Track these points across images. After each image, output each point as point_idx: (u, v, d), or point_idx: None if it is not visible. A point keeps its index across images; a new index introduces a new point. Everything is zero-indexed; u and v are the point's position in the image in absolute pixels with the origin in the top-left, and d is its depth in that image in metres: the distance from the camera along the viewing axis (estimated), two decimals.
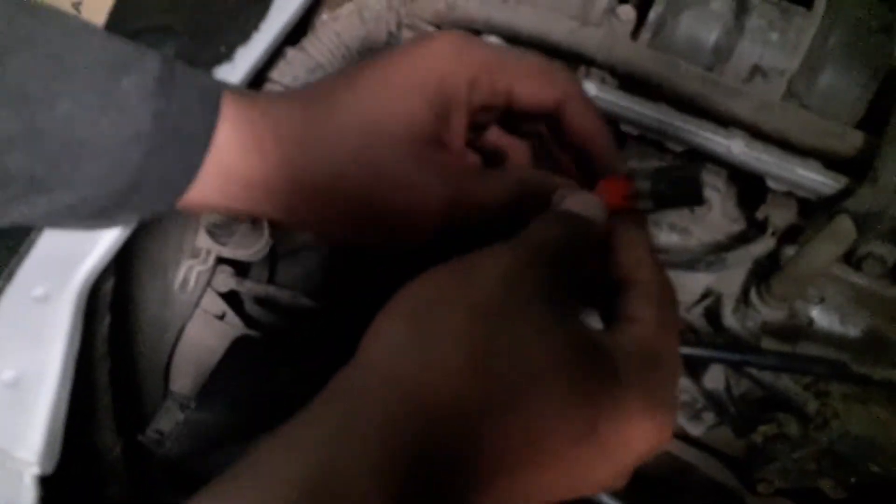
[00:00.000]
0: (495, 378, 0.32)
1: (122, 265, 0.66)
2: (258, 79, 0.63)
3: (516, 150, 0.49)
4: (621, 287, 0.39)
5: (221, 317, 0.87)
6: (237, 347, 0.61)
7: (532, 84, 0.44)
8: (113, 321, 0.61)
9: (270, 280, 0.90)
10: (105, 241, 0.50)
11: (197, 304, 0.85)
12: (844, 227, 0.59)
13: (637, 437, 0.34)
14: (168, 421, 0.59)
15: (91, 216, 0.41)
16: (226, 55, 0.59)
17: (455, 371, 0.31)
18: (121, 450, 0.60)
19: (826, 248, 0.59)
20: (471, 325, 0.32)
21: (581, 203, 0.40)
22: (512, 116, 0.47)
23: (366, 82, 0.42)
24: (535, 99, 0.44)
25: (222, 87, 0.42)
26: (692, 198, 0.41)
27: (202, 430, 0.58)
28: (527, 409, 0.32)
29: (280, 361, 0.60)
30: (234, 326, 0.86)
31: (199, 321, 0.85)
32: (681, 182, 0.41)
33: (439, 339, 0.32)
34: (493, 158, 0.49)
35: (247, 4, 0.61)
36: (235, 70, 0.59)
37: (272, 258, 0.88)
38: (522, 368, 0.32)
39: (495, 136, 0.49)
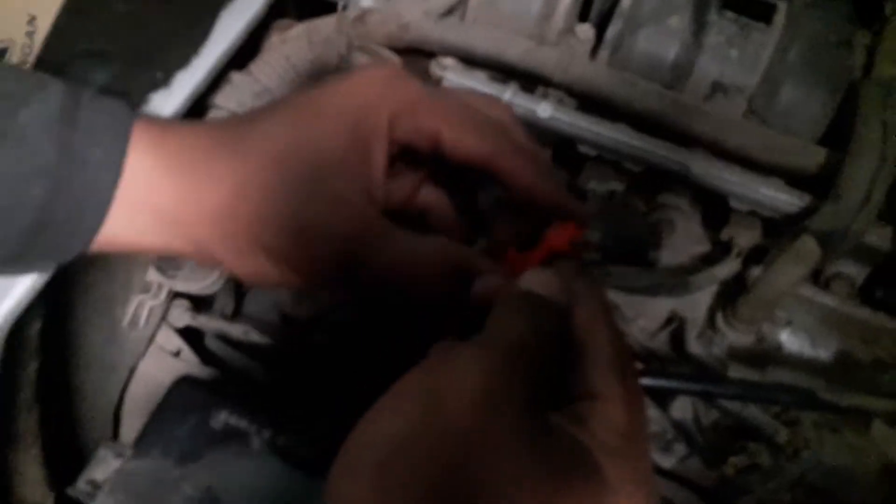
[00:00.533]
0: None
1: (60, 304, 0.63)
2: (201, 105, 0.61)
3: (440, 207, 0.47)
4: (577, 353, 0.36)
5: (177, 353, 0.84)
6: (178, 389, 0.58)
7: (459, 132, 0.41)
8: (48, 364, 0.58)
9: (237, 313, 0.87)
10: (21, 285, 0.47)
11: (151, 341, 0.82)
12: (808, 247, 0.57)
13: None
14: (102, 470, 0.56)
15: (1, 261, 0.39)
16: (163, 81, 0.57)
17: None
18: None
19: (790, 269, 0.58)
20: (448, 479, 0.29)
21: (539, 282, 0.37)
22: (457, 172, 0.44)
23: (285, 113, 0.40)
24: (463, 148, 0.41)
25: (133, 114, 0.39)
26: (639, 258, 0.39)
27: (138, 480, 0.55)
28: None
29: (221, 402, 0.57)
30: (190, 363, 0.83)
31: (152, 359, 0.82)
32: (629, 241, 0.39)
33: None
34: (418, 218, 0.47)
35: (187, 28, 0.59)
36: (173, 96, 0.57)
37: (238, 290, 0.86)
38: None
39: (424, 192, 0.47)
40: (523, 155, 0.42)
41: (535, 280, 0.37)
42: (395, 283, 0.40)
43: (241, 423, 0.57)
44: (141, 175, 0.38)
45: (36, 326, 0.53)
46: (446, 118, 0.41)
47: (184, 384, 0.58)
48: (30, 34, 0.82)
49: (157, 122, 0.40)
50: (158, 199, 0.39)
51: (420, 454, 0.30)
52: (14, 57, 0.54)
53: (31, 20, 0.61)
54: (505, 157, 0.42)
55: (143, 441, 0.56)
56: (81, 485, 0.55)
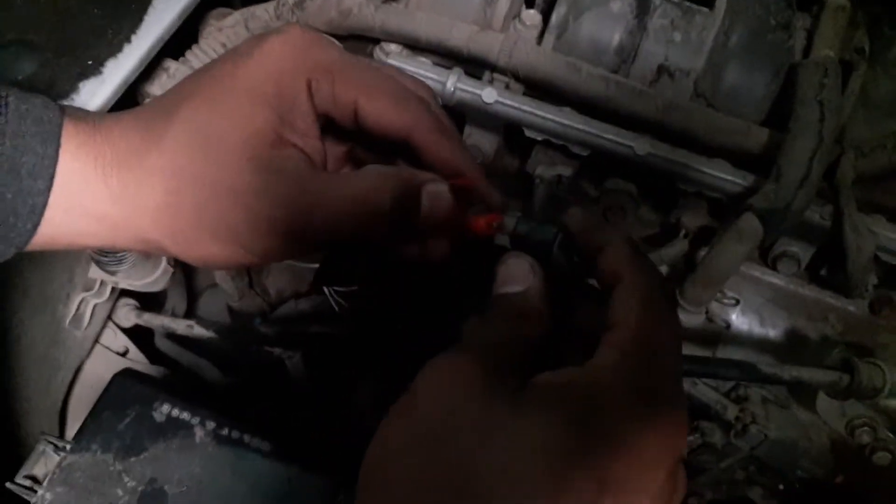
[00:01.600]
0: None
1: None
2: (133, 92, 0.60)
3: None
4: (608, 295, 0.37)
5: (124, 353, 0.83)
6: (119, 382, 0.57)
7: (378, 102, 0.42)
8: None
9: (190, 311, 0.86)
10: None
11: (97, 340, 0.81)
12: (750, 225, 0.58)
13: (651, 458, 0.32)
14: (42, 465, 0.55)
15: None
16: (94, 69, 0.56)
17: None
18: None
19: (733, 247, 0.59)
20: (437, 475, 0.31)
21: (513, 277, 0.38)
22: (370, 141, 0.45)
23: (203, 92, 0.40)
24: (382, 119, 0.42)
25: (61, 115, 0.39)
26: (540, 256, 0.40)
27: (78, 475, 0.54)
28: None
29: (163, 395, 0.56)
30: (137, 363, 0.82)
31: (98, 359, 0.81)
32: (537, 241, 0.41)
33: None
34: None
35: (118, 16, 0.58)
36: (105, 84, 0.56)
37: (190, 290, 0.85)
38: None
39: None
40: (442, 131, 0.43)
41: (508, 276, 0.39)
42: (348, 223, 0.40)
43: (183, 415, 0.56)
44: (74, 179, 0.38)
45: None
46: (365, 88, 0.41)
47: (124, 377, 0.57)
48: None
49: (86, 120, 0.40)
50: (94, 202, 0.39)
51: (410, 460, 0.31)
52: None
53: None
54: (424, 131, 0.42)
55: (84, 435, 0.55)
56: (20, 480, 0.54)
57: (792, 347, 0.67)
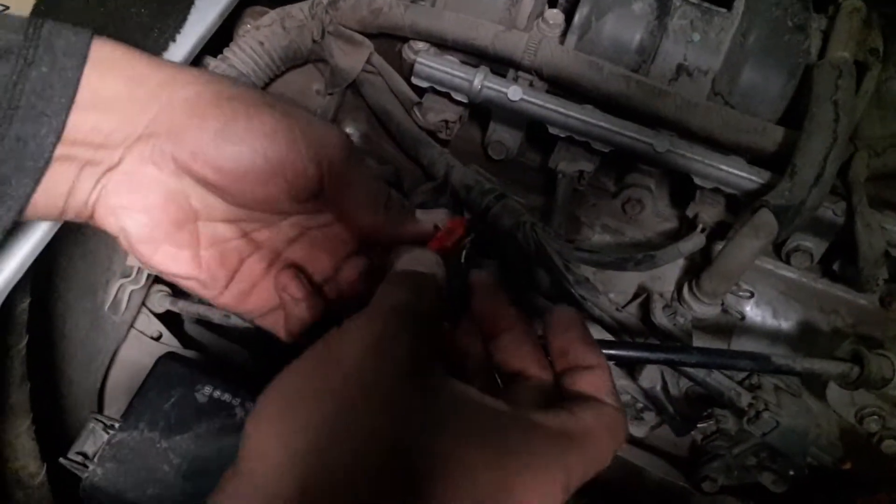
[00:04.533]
0: (385, 471, 0.31)
1: (45, 286, 0.66)
2: None
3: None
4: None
5: (158, 338, 0.87)
6: (163, 365, 0.61)
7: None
8: (36, 344, 0.61)
9: None
10: (14, 260, 0.50)
11: (132, 326, 0.85)
12: (765, 220, 0.62)
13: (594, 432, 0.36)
14: (92, 443, 0.59)
15: None
16: None
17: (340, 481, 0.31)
18: (46, 476, 0.60)
19: (748, 242, 0.62)
20: (342, 417, 0.33)
21: (414, 261, 0.42)
22: None
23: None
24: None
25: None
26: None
27: (127, 451, 0.58)
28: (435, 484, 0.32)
29: (205, 378, 0.61)
30: (171, 347, 0.87)
31: (133, 343, 0.85)
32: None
33: (314, 448, 0.32)
34: None
35: (163, 16, 0.62)
36: None
37: None
38: (416, 452, 0.32)
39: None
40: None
41: (410, 259, 0.42)
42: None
43: (224, 396, 0.60)
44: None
45: (23, 305, 0.57)
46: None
47: (169, 360, 0.61)
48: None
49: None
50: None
51: (314, 400, 0.33)
52: None
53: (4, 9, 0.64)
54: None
55: (131, 414, 0.60)
56: (73, 456, 0.59)
57: (804, 339, 0.71)
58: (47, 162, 0.39)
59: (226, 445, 0.59)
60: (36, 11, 0.62)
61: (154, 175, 0.42)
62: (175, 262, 0.45)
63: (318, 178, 0.44)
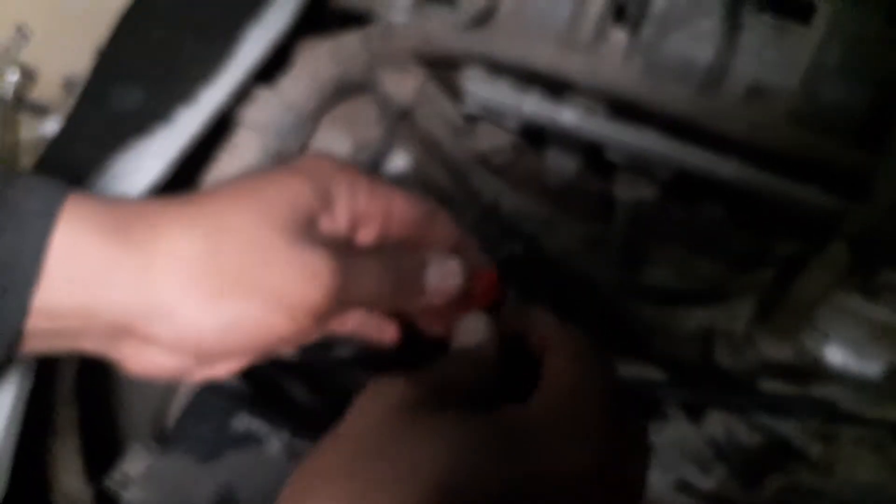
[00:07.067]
0: None
1: None
2: (226, 121, 0.67)
3: None
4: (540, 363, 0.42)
5: None
6: (202, 393, 0.64)
7: (404, 203, 0.48)
8: (89, 360, 0.65)
9: None
10: None
11: None
12: (837, 252, 0.58)
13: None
14: (135, 465, 0.62)
15: None
16: (190, 97, 0.63)
17: None
18: (94, 498, 0.64)
19: (818, 275, 0.59)
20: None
21: (470, 332, 0.45)
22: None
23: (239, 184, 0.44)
24: (406, 216, 0.48)
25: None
26: None
27: (166, 476, 0.61)
28: None
29: (243, 406, 0.62)
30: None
31: None
32: None
33: None
34: None
35: (214, 47, 0.66)
36: (199, 111, 0.63)
37: None
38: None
39: None
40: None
41: (467, 330, 0.46)
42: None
43: (260, 426, 0.62)
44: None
45: None
46: (390, 192, 0.48)
47: (207, 389, 0.64)
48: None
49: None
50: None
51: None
52: None
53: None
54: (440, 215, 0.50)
55: (170, 440, 0.62)
56: (117, 476, 0.62)
57: (892, 386, 0.65)
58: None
59: (257, 475, 0.60)
60: (105, 51, 0.67)
61: None
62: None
63: (313, 328, 0.44)
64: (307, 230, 0.42)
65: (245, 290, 0.40)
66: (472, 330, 0.45)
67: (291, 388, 0.83)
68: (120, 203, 0.42)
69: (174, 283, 0.39)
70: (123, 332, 0.40)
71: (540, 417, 0.37)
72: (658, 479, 0.69)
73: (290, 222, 0.41)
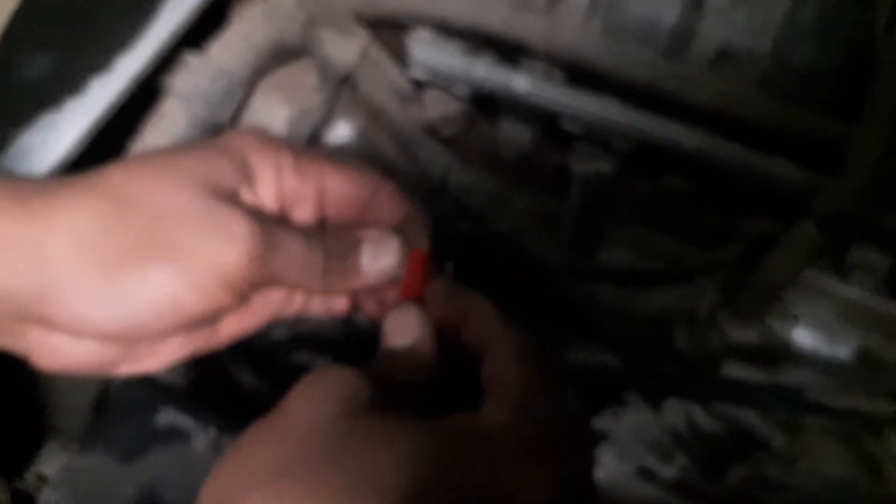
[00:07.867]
0: None
1: None
2: (151, 88, 0.62)
3: None
4: (480, 359, 0.39)
5: None
6: (124, 387, 0.59)
7: (340, 180, 0.43)
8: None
9: None
10: None
11: None
12: (805, 231, 0.54)
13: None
14: (50, 465, 0.58)
15: None
16: (105, 65, 0.58)
17: None
18: (9, 499, 0.60)
19: (787, 255, 0.55)
20: None
21: (404, 328, 0.41)
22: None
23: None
24: (344, 195, 0.43)
25: None
26: None
27: (83, 476, 0.57)
28: None
29: (169, 401, 0.58)
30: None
31: None
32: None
33: None
34: None
35: (132, 12, 0.60)
36: (115, 79, 0.58)
37: None
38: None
39: None
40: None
41: (395, 329, 0.41)
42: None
43: (186, 422, 0.58)
44: None
45: None
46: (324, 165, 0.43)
47: (131, 382, 0.59)
48: None
49: None
50: None
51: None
52: None
53: None
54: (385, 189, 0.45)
55: (89, 438, 0.58)
56: (30, 478, 0.58)
57: (864, 371, 0.62)
58: None
59: (181, 474, 0.56)
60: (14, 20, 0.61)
61: None
62: None
63: (229, 302, 0.38)
64: (226, 197, 0.38)
65: (146, 258, 0.35)
66: (405, 326, 0.41)
67: (240, 373, 0.80)
68: (21, 179, 0.38)
69: (68, 257, 0.35)
70: (20, 316, 0.35)
71: (495, 434, 0.34)
72: (618, 467, 0.66)
73: (205, 188, 0.37)
